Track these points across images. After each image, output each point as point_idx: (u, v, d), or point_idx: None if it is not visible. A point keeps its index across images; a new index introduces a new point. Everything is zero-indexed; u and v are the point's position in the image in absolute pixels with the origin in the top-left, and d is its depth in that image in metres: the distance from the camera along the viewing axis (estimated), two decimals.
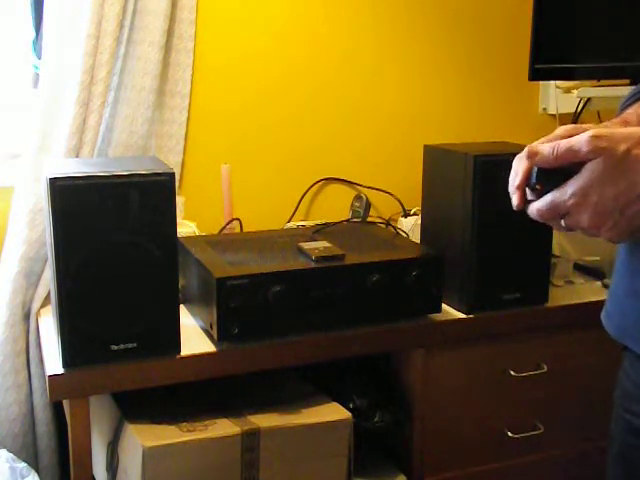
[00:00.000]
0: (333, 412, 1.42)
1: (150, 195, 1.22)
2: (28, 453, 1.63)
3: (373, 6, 1.93)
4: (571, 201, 0.75)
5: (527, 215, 0.82)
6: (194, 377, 1.34)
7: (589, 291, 1.70)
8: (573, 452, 1.67)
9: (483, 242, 1.47)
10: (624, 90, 2.02)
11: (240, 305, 1.30)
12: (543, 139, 0.80)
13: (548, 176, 0.77)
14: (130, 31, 1.65)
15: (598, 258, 1.76)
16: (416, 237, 1.70)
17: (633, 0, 1.84)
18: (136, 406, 1.38)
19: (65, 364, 1.24)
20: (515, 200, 0.81)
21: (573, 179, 0.75)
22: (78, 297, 1.21)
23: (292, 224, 1.84)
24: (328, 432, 1.39)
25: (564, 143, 0.75)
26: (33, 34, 1.72)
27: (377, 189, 1.93)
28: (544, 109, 2.15)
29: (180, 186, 1.81)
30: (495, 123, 2.10)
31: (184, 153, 1.81)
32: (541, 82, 2.10)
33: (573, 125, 0.80)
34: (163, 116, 1.76)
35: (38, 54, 1.69)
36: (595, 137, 0.73)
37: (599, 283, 1.74)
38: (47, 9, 1.59)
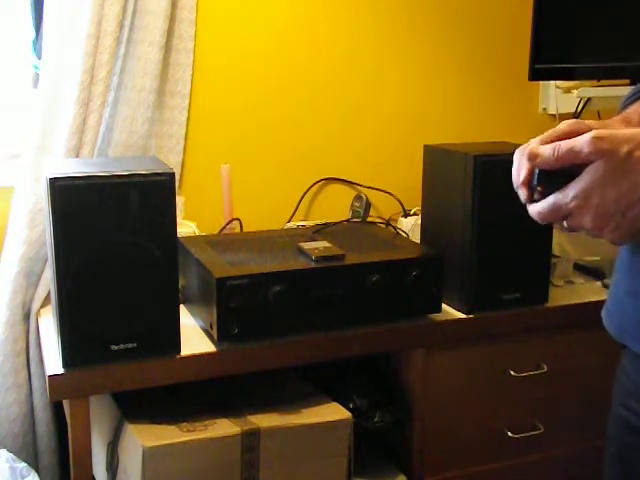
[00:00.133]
0: (333, 412, 1.42)
1: (150, 195, 1.22)
2: (28, 453, 1.63)
3: (373, 6, 1.93)
4: (573, 203, 0.75)
5: (527, 215, 0.81)
6: (194, 377, 1.34)
7: (589, 291, 1.70)
8: (573, 452, 1.67)
9: (483, 242, 1.47)
10: (624, 90, 2.02)
11: (240, 305, 1.30)
12: (546, 133, 0.79)
13: (549, 177, 0.76)
14: (130, 31, 1.65)
15: (598, 258, 1.76)
16: (416, 237, 1.70)
17: (633, 0, 1.84)
18: (136, 406, 1.38)
19: (65, 364, 1.24)
20: (522, 195, 0.80)
21: (575, 181, 0.75)
22: (78, 297, 1.21)
23: (292, 224, 1.84)
24: (328, 432, 1.39)
25: (565, 144, 0.74)
26: (33, 34, 1.72)
27: (377, 189, 1.93)
28: (544, 109, 2.15)
29: (180, 186, 1.81)
30: (495, 123, 2.10)
31: (184, 153, 1.81)
32: (541, 82, 2.10)
33: (575, 120, 0.80)
34: (163, 116, 1.76)
35: (38, 54, 1.69)
36: (597, 138, 0.73)
37: (599, 283, 1.74)
38: (47, 9, 1.59)
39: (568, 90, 2.01)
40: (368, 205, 1.87)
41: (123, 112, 1.67)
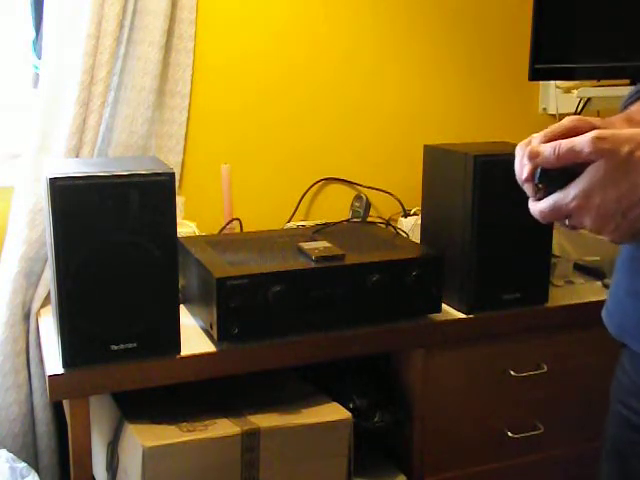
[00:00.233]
0: (333, 412, 1.42)
1: (150, 195, 1.22)
2: (28, 453, 1.63)
3: (373, 6, 1.93)
4: (573, 204, 0.75)
5: (527, 215, 0.81)
6: (194, 377, 1.34)
7: (589, 291, 1.70)
8: (573, 452, 1.67)
9: (483, 242, 1.47)
10: (624, 90, 2.02)
11: (240, 305, 1.30)
12: (549, 129, 0.79)
13: (551, 176, 0.76)
14: (130, 31, 1.65)
15: (598, 258, 1.76)
16: (416, 237, 1.70)
17: (633, 0, 1.84)
18: (136, 406, 1.38)
19: (65, 364, 1.24)
20: (528, 191, 0.80)
21: (575, 181, 0.75)
22: (78, 297, 1.21)
23: (292, 224, 1.84)
24: (328, 432, 1.39)
25: (565, 144, 0.74)
26: (33, 34, 1.72)
27: (377, 189, 1.93)
28: (544, 109, 2.15)
29: (180, 186, 1.81)
30: (495, 123, 2.10)
31: (184, 153, 1.81)
32: (541, 82, 2.10)
33: (579, 117, 0.79)
34: (163, 116, 1.76)
35: (38, 54, 1.69)
36: (598, 138, 0.73)
37: (599, 283, 1.74)
38: (47, 9, 1.59)
39: (568, 90, 2.01)
40: (368, 205, 1.87)
41: (123, 112, 1.67)
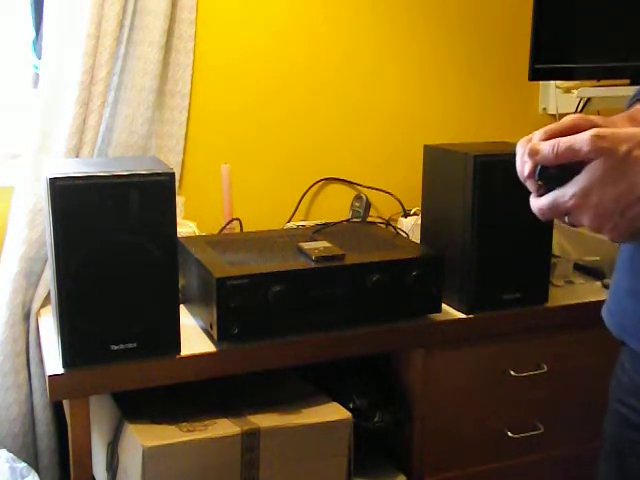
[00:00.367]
0: (333, 412, 1.42)
1: (150, 195, 1.22)
2: (28, 453, 1.63)
3: (373, 6, 1.94)
4: (572, 202, 0.75)
5: (527, 215, 0.81)
6: (194, 377, 1.34)
7: (589, 291, 1.70)
8: (573, 452, 1.67)
9: (483, 242, 1.47)
10: (624, 90, 2.02)
11: (240, 305, 1.30)
12: (550, 126, 0.79)
13: (551, 173, 0.76)
14: (130, 31, 1.65)
15: (598, 258, 1.76)
16: (416, 237, 1.70)
17: (633, 0, 1.84)
18: (136, 406, 1.38)
19: (65, 364, 1.24)
20: (530, 187, 0.80)
21: (574, 180, 0.75)
22: (78, 297, 1.21)
23: (292, 224, 1.84)
24: (328, 432, 1.39)
25: (564, 141, 0.74)
26: (33, 34, 1.72)
27: (377, 189, 1.93)
28: (544, 109, 2.15)
29: (180, 186, 1.81)
30: (495, 123, 2.10)
31: (184, 153, 1.81)
32: (541, 82, 2.10)
33: (580, 115, 0.80)
34: (163, 116, 1.76)
35: (38, 54, 1.69)
36: (596, 137, 0.73)
37: (599, 283, 1.74)
38: (47, 9, 1.59)
39: (568, 90, 2.01)
40: (368, 205, 1.87)
41: (123, 112, 1.67)
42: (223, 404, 1.41)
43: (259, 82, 1.87)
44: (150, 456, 1.25)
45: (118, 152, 1.68)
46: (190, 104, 1.79)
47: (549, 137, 0.77)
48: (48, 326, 1.47)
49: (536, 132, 0.79)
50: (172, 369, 1.31)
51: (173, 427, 1.32)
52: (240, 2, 1.82)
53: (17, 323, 1.57)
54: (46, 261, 1.57)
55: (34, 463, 1.64)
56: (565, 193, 0.75)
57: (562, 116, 2.15)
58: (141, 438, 1.27)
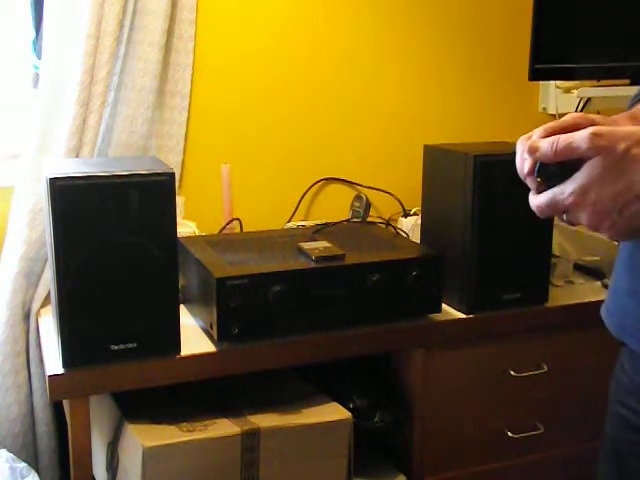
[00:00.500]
0: (333, 412, 1.42)
1: (150, 195, 1.22)
2: (28, 453, 1.63)
3: (373, 6, 1.93)
4: (570, 199, 0.75)
5: (527, 215, 0.81)
6: (194, 377, 1.34)
7: (589, 291, 1.70)
8: (573, 452, 1.67)
9: (483, 242, 1.47)
10: (624, 90, 2.02)
11: (240, 305, 1.30)
12: (550, 124, 0.79)
13: (550, 171, 0.76)
14: (130, 31, 1.65)
15: (598, 258, 1.76)
16: (416, 237, 1.70)
17: (633, 0, 1.84)
18: (136, 406, 1.38)
19: (65, 364, 1.24)
20: (530, 185, 0.80)
21: (572, 177, 0.75)
22: (78, 297, 1.21)
23: (292, 224, 1.84)
24: (328, 432, 1.39)
25: (563, 139, 0.74)
26: (33, 34, 1.72)
27: (377, 189, 1.93)
28: (544, 109, 2.15)
29: (180, 186, 1.81)
30: (495, 123, 2.10)
31: (184, 153, 1.81)
32: (541, 82, 2.10)
33: (581, 114, 0.80)
34: (163, 116, 1.76)
35: (38, 54, 1.69)
36: (595, 135, 0.73)
37: (599, 283, 1.74)
38: (47, 9, 1.59)
39: (568, 90, 2.01)
40: (368, 205, 1.87)
41: (123, 112, 1.67)
42: (223, 404, 1.41)
43: (259, 82, 1.87)
44: (150, 456, 1.26)
45: (118, 152, 1.68)
46: (190, 104, 1.79)
47: (549, 135, 0.77)
48: (48, 326, 1.47)
49: (536, 130, 0.79)
50: (172, 369, 1.31)
51: (173, 427, 1.32)
52: (240, 2, 1.82)
53: (17, 323, 1.57)
54: (46, 261, 1.57)
55: (34, 463, 1.64)
56: (564, 190, 0.75)
57: (562, 116, 2.16)
58: (141, 438, 1.27)
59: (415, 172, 1.67)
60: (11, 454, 1.49)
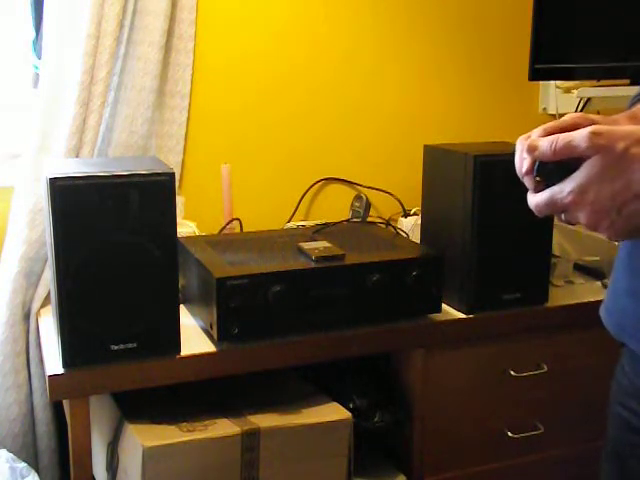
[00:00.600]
0: (333, 412, 1.42)
1: (150, 195, 1.22)
2: (28, 453, 1.63)
3: (373, 6, 1.93)
4: (568, 199, 0.75)
5: (527, 215, 0.81)
6: (194, 377, 1.34)
7: (589, 291, 1.70)
8: (573, 452, 1.67)
9: (483, 242, 1.47)
10: (624, 90, 2.02)
11: (240, 305, 1.30)
12: (550, 123, 0.79)
13: (549, 170, 0.76)
14: (130, 31, 1.65)
15: (598, 258, 1.76)
16: (416, 237, 1.70)
17: (633, 0, 1.84)
18: (136, 406, 1.38)
19: (65, 364, 1.24)
20: (528, 185, 0.80)
21: (571, 176, 0.75)
22: (78, 297, 1.21)
23: (292, 224, 1.84)
24: (328, 432, 1.39)
25: (563, 138, 0.74)
26: (33, 34, 1.73)
27: (377, 189, 1.93)
28: (544, 109, 2.15)
29: (180, 186, 1.81)
30: (495, 123, 2.10)
31: (184, 153, 1.81)
32: (541, 82, 2.10)
33: (580, 114, 0.80)
34: (163, 116, 1.76)
35: (38, 54, 1.69)
36: (594, 134, 0.72)
37: (599, 283, 1.74)
38: (47, 9, 1.59)
39: (568, 90, 2.01)
40: (368, 205, 1.87)
41: (123, 112, 1.67)
42: (223, 404, 1.41)
43: (259, 82, 1.87)
44: (150, 456, 1.26)
45: (118, 152, 1.68)
46: (190, 104, 1.79)
47: (548, 134, 0.77)
48: (48, 326, 1.47)
49: (535, 129, 0.79)
50: (172, 369, 1.31)
51: (173, 427, 1.32)
52: (240, 2, 1.82)
53: (17, 323, 1.57)
54: (46, 261, 1.57)
55: (34, 463, 1.64)
56: (562, 189, 0.75)
57: (562, 116, 2.16)
58: (141, 438, 1.27)
59: (415, 172, 1.67)
60: (11, 454, 1.49)
